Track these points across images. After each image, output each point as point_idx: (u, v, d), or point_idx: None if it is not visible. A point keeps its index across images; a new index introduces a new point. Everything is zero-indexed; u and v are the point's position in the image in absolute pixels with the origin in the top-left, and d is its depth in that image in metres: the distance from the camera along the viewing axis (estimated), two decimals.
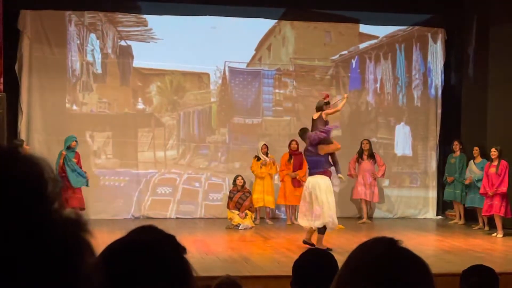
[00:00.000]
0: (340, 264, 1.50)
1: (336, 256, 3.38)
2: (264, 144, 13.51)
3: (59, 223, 0.93)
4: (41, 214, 0.91)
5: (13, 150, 0.96)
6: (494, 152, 12.29)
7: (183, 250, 1.37)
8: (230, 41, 14.09)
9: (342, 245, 10.17)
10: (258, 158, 13.40)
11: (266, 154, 13.42)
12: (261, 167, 13.32)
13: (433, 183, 14.91)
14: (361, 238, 12.12)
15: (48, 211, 0.92)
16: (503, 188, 12.04)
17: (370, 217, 14.13)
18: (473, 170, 13.05)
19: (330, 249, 8.78)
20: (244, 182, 13.13)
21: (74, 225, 0.95)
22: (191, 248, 1.40)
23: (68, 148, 12.44)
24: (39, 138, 13.41)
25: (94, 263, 0.97)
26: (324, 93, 10.98)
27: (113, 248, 1.34)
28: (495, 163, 12.26)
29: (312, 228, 9.93)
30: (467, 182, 13.24)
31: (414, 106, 15.01)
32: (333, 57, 14.76)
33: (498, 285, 3.81)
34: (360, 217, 14.04)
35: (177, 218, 13.83)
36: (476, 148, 13.10)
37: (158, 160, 14.11)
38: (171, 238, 1.39)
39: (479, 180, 12.72)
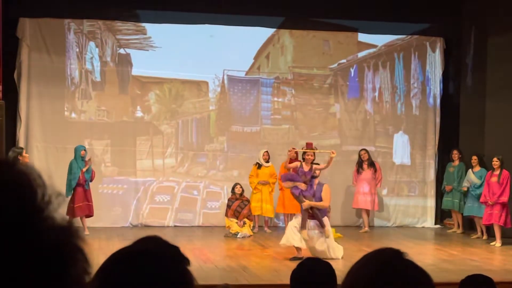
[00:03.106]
0: (338, 273, 1.50)
1: (334, 265, 3.37)
2: (266, 151, 13.52)
3: (50, 231, 0.94)
4: (31, 222, 0.92)
5: (1, 162, 0.97)
6: (496, 162, 12.29)
7: (186, 261, 1.37)
8: (228, 50, 14.10)
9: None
10: (259, 166, 13.39)
11: (267, 161, 13.42)
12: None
13: (431, 192, 14.89)
14: (360, 247, 12.09)
15: (38, 220, 0.93)
16: (504, 198, 12.04)
17: (368, 226, 14.10)
18: (472, 179, 13.04)
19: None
20: (243, 190, 13.11)
21: (66, 232, 0.96)
22: (189, 257, 1.40)
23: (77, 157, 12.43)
24: (37, 146, 13.40)
25: (87, 269, 0.98)
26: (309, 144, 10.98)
27: (117, 257, 1.34)
28: (497, 172, 12.27)
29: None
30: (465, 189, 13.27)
31: (413, 115, 15.01)
32: (332, 66, 14.77)
33: None
34: (360, 226, 14.02)
35: (175, 226, 13.80)
36: (475, 157, 13.10)
37: (157, 168, 14.10)
38: (175, 249, 1.38)
39: (477, 189, 12.73)
